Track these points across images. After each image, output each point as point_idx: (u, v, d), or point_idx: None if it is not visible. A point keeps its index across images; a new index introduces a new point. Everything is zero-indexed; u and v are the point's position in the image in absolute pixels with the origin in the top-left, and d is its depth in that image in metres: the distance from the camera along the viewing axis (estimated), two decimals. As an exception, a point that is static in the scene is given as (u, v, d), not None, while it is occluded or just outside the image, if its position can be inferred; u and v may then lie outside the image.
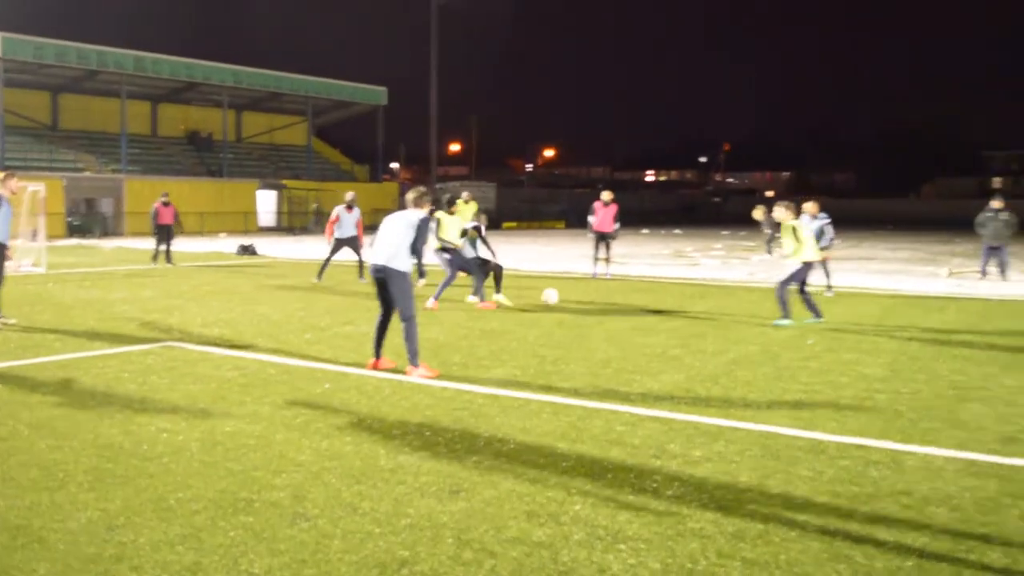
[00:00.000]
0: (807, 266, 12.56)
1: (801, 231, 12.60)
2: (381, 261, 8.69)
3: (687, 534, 4.57)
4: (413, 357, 8.63)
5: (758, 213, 28.81)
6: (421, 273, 17.68)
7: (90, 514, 4.78)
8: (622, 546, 4.41)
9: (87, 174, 50.19)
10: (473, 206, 19.56)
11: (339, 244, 18.44)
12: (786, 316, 12.47)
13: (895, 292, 17.22)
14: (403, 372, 8.69)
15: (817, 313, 12.54)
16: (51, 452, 5.92)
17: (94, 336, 11.08)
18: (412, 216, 8.86)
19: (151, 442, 6.16)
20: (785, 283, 12.62)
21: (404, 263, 8.68)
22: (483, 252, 15.10)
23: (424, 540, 4.46)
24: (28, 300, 15.26)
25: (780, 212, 13.09)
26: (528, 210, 71.72)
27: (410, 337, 8.60)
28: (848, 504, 5.04)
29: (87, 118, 58.49)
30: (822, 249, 15.57)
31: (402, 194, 16.88)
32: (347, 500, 5.01)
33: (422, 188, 9.33)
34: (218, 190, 54.63)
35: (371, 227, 17.20)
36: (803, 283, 12.72)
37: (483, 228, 15.41)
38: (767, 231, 28.51)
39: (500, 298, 14.87)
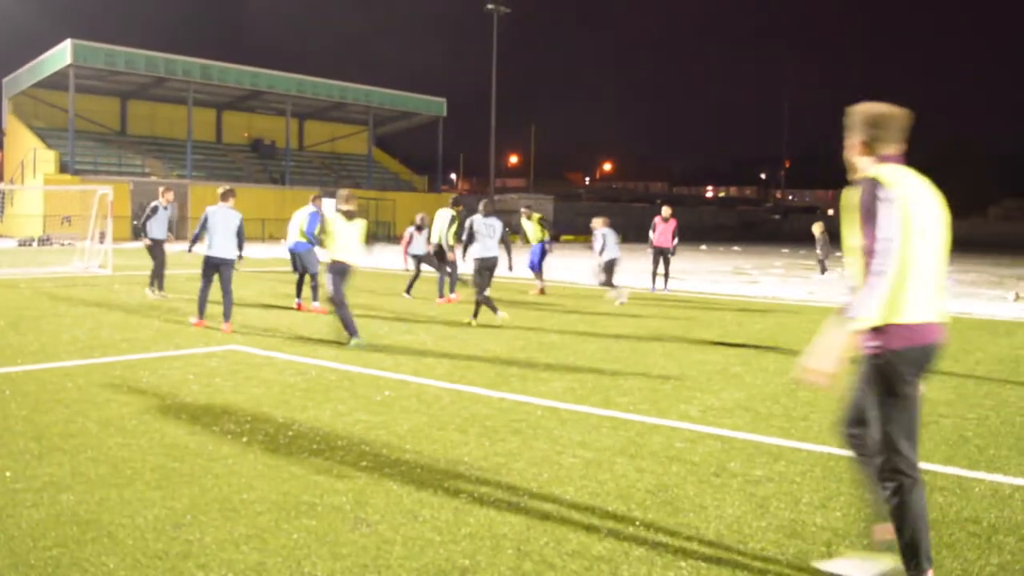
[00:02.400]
0: None
1: None
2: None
3: (748, 555, 4.53)
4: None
5: (817, 228, 28.28)
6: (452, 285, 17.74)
7: (157, 511, 4.88)
8: (682, 563, 4.38)
9: (153, 179, 51.24)
10: (535, 217, 20.06)
11: (417, 261, 18.34)
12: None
13: (961, 315, 16.87)
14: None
15: None
16: (119, 449, 6.06)
17: (159, 338, 11.31)
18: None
19: (216, 443, 6.27)
20: None
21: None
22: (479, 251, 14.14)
23: (484, 550, 4.47)
24: (95, 301, 15.62)
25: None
26: (586, 224, 71.58)
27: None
28: (913, 529, 4.95)
29: (154, 124, 59.89)
30: None
31: (453, 203, 17.08)
32: (408, 507, 5.05)
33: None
34: (280, 197, 55.43)
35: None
36: None
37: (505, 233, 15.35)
38: (819, 250, 27.96)
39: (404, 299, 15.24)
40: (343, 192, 11.78)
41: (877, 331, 3.89)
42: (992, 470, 6.19)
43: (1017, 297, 21.12)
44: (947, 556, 4.58)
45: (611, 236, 18.87)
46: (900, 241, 3.74)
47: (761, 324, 14.58)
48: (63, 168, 49.44)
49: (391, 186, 66.03)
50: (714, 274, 28.29)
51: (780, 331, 13.68)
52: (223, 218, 12.31)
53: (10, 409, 7.18)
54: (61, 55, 49.05)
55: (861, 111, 4.01)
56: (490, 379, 8.95)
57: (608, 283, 18.37)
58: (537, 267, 19.99)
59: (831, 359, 3.87)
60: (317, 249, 13.14)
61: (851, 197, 3.89)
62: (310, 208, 15.30)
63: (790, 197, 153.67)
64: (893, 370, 3.88)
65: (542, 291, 19.65)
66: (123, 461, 5.79)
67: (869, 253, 3.75)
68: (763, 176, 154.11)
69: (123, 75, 52.09)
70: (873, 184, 3.76)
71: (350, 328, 11.03)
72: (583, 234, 66.55)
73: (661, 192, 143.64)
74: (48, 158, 49.79)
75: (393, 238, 58.30)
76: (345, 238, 11.38)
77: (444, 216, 17.08)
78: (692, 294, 20.46)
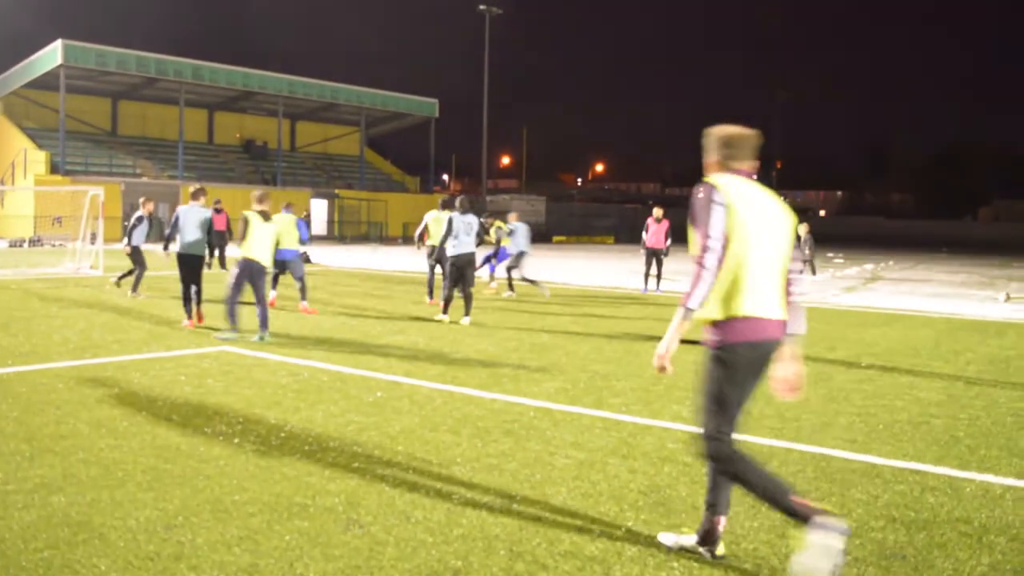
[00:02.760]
0: None
1: None
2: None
3: (741, 554, 4.53)
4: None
5: (803, 229, 28.23)
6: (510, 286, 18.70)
7: (149, 513, 4.87)
8: (675, 564, 4.39)
9: (144, 179, 51.14)
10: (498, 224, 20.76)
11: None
12: None
13: (952, 316, 16.93)
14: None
15: None
16: (111, 451, 6.04)
17: (151, 338, 11.28)
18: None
19: (207, 444, 6.26)
20: None
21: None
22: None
23: (477, 551, 4.47)
24: (86, 302, 15.57)
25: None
26: (578, 224, 71.73)
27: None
28: (905, 530, 4.97)
29: (145, 125, 59.72)
30: None
31: (444, 206, 17.24)
32: (400, 508, 5.04)
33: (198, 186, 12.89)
34: (272, 198, 55.26)
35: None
36: None
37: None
38: (806, 251, 27.84)
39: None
40: (257, 193, 12.30)
41: (716, 325, 4.28)
42: (983, 470, 6.21)
43: (1008, 298, 21.21)
44: (938, 556, 4.60)
45: (523, 229, 19.48)
46: (733, 242, 4.16)
47: (753, 325, 14.57)
48: (54, 169, 49.28)
49: (383, 187, 65.97)
50: None
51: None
52: (193, 216, 12.84)
53: (1, 411, 7.15)
54: (52, 55, 48.89)
55: (716, 133, 4.46)
56: (482, 380, 8.94)
57: (519, 279, 19.45)
58: (493, 269, 20.79)
59: (667, 345, 4.33)
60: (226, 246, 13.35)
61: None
62: (291, 215, 15.56)
63: (782, 198, 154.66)
64: (729, 361, 4.25)
65: (497, 291, 20.09)
66: (114, 462, 5.77)
67: (700, 250, 4.17)
68: (755, 177, 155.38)
69: (114, 75, 51.93)
70: (708, 189, 4.19)
71: (231, 319, 11.62)
72: (575, 234, 66.67)
73: (653, 193, 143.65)
74: (39, 159, 49.62)
75: (386, 239, 58.29)
76: (260, 238, 11.73)
77: (443, 220, 16.98)
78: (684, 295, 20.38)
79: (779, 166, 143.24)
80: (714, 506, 4.45)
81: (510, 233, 19.64)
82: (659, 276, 20.87)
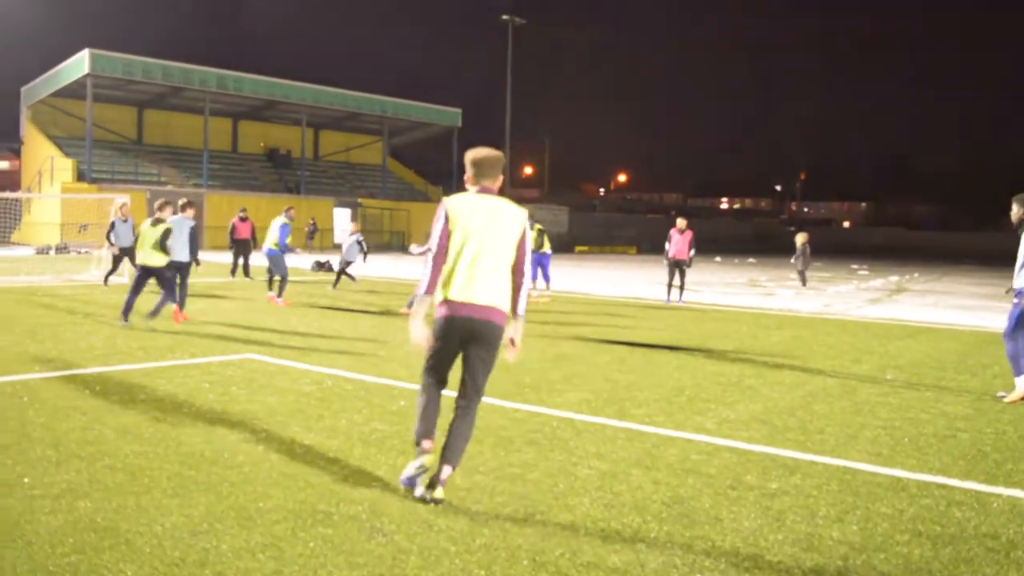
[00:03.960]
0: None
1: None
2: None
3: (764, 567, 4.51)
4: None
5: (800, 239, 27.47)
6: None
7: (175, 519, 4.90)
8: (698, 576, 4.37)
9: (169, 188, 51.46)
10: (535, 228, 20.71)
11: None
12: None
13: (978, 328, 16.78)
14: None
15: None
16: (136, 457, 6.08)
17: (175, 346, 11.36)
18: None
19: (232, 451, 6.29)
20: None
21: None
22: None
23: (500, 560, 4.47)
24: (113, 308, 15.69)
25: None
26: (601, 235, 71.65)
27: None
28: (931, 544, 4.93)
29: (170, 133, 60.13)
30: None
31: None
32: (423, 516, 5.05)
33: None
34: (295, 207, 55.51)
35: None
36: None
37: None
38: (799, 261, 27.03)
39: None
40: (158, 202, 13.85)
41: (440, 302, 5.45)
42: (1010, 485, 6.15)
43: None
44: (965, 571, 4.56)
45: (355, 239, 21.98)
46: (449, 244, 5.38)
47: (777, 337, 14.52)
48: (80, 176, 49.69)
49: (406, 196, 66.13)
50: (729, 286, 28.19)
51: (795, 344, 13.63)
52: (180, 227, 14.15)
53: (28, 416, 7.22)
54: (79, 64, 49.38)
55: (468, 155, 5.58)
56: (504, 390, 8.94)
57: (339, 277, 22.19)
58: (534, 275, 21.02)
59: (414, 324, 5.46)
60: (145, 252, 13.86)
61: None
62: (281, 219, 16.68)
63: (805, 209, 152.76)
64: (439, 328, 5.49)
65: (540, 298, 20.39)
66: (140, 469, 5.82)
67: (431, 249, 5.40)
68: (778, 188, 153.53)
69: (140, 84, 52.35)
70: (440, 204, 5.45)
71: (126, 313, 13.36)
72: (597, 244, 66.64)
73: (675, 204, 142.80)
74: (66, 166, 50.06)
75: (407, 248, 58.33)
76: (149, 243, 13.37)
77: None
78: (707, 306, 20.40)
79: (803, 177, 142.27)
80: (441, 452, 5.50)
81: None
82: (682, 286, 20.84)
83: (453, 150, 66.81)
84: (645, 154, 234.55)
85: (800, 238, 27.40)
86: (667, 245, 20.88)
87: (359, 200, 60.65)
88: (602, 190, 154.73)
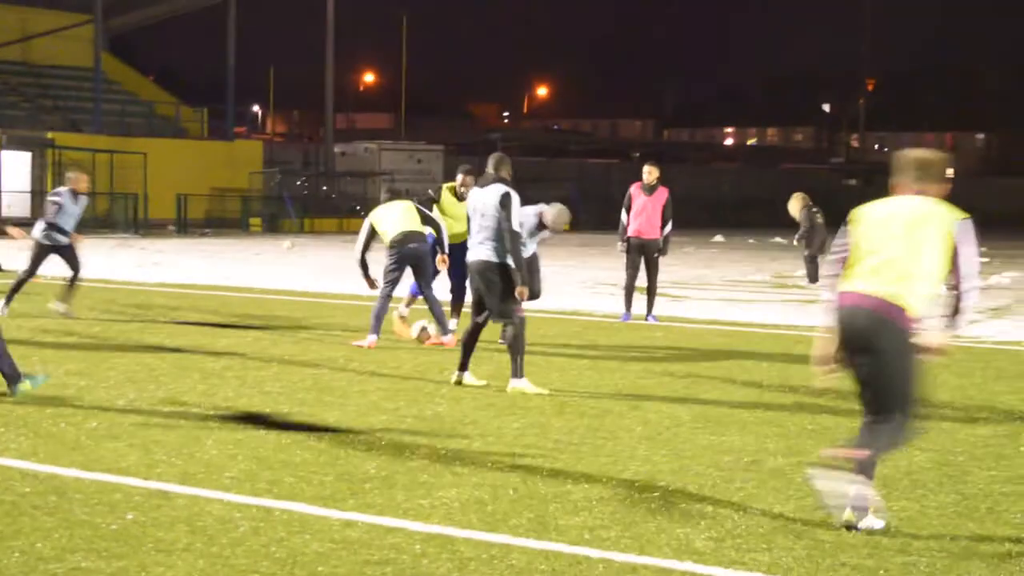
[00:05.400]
0: None
1: None
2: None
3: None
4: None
5: (796, 203, 18.04)
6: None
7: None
8: None
9: None
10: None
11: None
12: None
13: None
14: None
15: None
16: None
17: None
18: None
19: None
20: None
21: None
22: None
23: None
24: None
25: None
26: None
27: None
28: None
29: None
30: None
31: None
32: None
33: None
34: None
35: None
36: None
37: None
38: (802, 238, 17.45)
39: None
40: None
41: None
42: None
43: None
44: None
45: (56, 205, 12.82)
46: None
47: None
48: None
49: (140, 127, 39.85)
50: (738, 286, 18.95)
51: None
52: None
53: None
54: None
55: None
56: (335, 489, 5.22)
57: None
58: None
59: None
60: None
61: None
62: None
63: (875, 147, 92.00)
64: None
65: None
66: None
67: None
68: (827, 109, 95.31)
69: None
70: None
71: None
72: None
73: (641, 138, 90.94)
74: None
75: (144, 225, 34.68)
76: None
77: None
78: (698, 324, 13.20)
79: (870, 88, 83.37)
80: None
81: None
82: (652, 291, 12.87)
83: (229, 44, 41.16)
84: (585, 51, 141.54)
85: (796, 201, 18.50)
86: (624, 215, 12.79)
87: (48, 134, 36.62)
88: (507, 115, 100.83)
